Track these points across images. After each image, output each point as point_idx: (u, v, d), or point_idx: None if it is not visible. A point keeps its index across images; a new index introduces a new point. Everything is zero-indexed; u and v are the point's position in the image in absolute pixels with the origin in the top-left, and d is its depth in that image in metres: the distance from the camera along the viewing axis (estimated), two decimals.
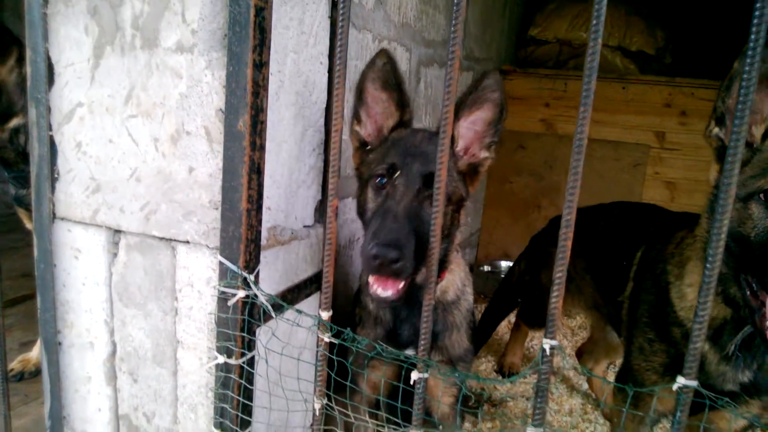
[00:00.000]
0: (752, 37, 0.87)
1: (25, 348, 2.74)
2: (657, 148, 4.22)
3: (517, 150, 4.51)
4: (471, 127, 1.49)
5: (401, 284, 1.34)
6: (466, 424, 2.44)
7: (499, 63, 4.35)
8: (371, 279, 1.35)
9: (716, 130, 1.47)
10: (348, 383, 1.23)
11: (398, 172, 1.44)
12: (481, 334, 3.25)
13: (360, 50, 1.97)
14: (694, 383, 1.02)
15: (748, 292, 1.38)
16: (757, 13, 0.86)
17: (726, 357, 1.51)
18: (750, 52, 0.87)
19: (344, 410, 1.28)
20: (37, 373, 2.63)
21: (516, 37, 4.68)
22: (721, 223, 0.95)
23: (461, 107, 1.45)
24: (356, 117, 1.59)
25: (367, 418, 1.49)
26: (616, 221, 2.37)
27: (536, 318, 2.93)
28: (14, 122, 2.29)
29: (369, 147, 1.60)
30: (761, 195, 1.38)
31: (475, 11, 3.56)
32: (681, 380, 1.03)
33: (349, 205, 2.07)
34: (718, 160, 1.49)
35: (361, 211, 1.54)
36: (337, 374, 1.31)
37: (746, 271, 1.40)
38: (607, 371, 3.06)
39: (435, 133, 1.52)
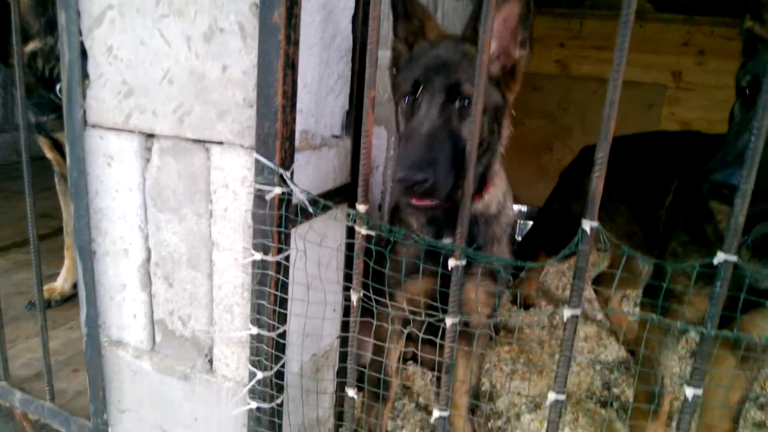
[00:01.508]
0: None
1: (48, 279, 2.80)
2: (673, 88, 4.17)
3: (530, 91, 4.47)
4: (502, 25, 1.43)
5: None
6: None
7: None
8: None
9: (750, 23, 1.49)
10: (386, 270, 1.26)
11: (420, 89, 1.41)
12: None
13: None
14: (734, 258, 1.03)
15: None
16: None
17: (756, 254, 1.53)
18: None
19: (381, 298, 1.30)
20: (62, 301, 2.70)
21: None
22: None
23: None
24: (395, 32, 1.57)
25: (405, 305, 1.51)
26: (659, 150, 2.35)
27: (560, 245, 2.93)
28: (31, 46, 2.26)
29: (398, 68, 1.57)
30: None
31: None
32: (721, 255, 1.04)
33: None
34: (744, 54, 1.52)
35: (398, 138, 1.50)
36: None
37: None
38: (622, 302, 3.11)
39: (458, 39, 1.50)
